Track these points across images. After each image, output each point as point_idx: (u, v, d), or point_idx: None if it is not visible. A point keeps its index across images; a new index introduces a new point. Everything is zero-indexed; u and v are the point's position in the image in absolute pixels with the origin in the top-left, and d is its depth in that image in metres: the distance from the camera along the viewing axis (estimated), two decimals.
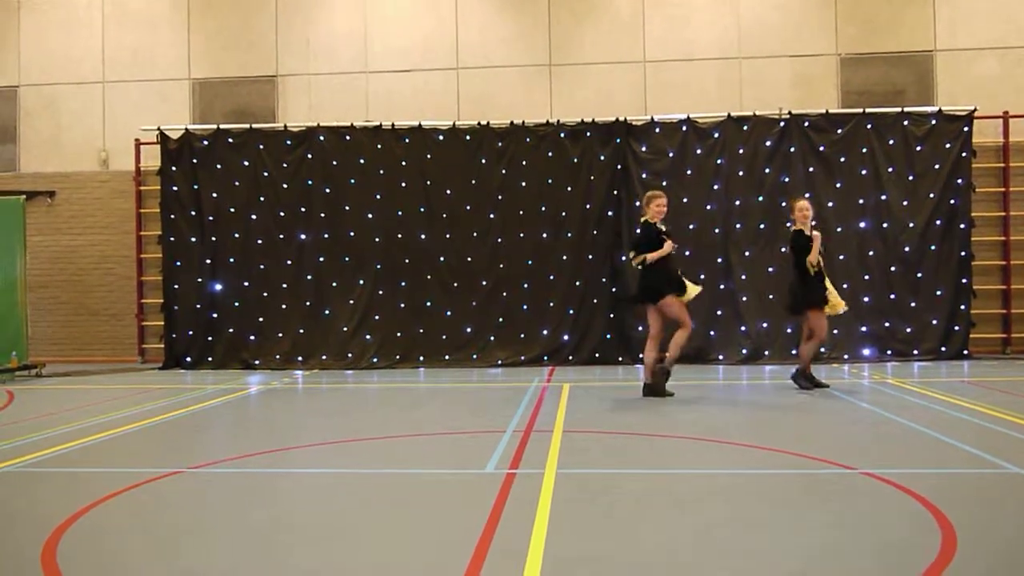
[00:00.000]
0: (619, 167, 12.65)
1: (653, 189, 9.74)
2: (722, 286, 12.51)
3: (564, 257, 12.72)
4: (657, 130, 12.70)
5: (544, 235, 12.76)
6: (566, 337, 12.68)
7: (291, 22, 13.97)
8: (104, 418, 8.14)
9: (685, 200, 12.32)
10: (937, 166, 12.41)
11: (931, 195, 12.36)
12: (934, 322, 12.35)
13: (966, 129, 12.43)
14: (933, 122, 12.48)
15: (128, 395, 9.93)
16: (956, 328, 12.37)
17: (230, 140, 13.12)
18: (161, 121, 13.47)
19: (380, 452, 6.52)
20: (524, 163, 12.82)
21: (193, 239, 13.08)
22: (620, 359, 12.50)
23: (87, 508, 4.83)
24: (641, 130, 12.75)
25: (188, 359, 12.97)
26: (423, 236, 12.86)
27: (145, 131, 13.45)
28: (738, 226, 12.55)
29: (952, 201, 12.40)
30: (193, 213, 13.09)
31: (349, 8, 13.91)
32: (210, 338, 13.00)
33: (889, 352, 12.30)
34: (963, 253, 12.38)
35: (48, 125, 14.29)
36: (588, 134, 12.74)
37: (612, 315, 12.55)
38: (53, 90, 14.28)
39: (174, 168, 13.14)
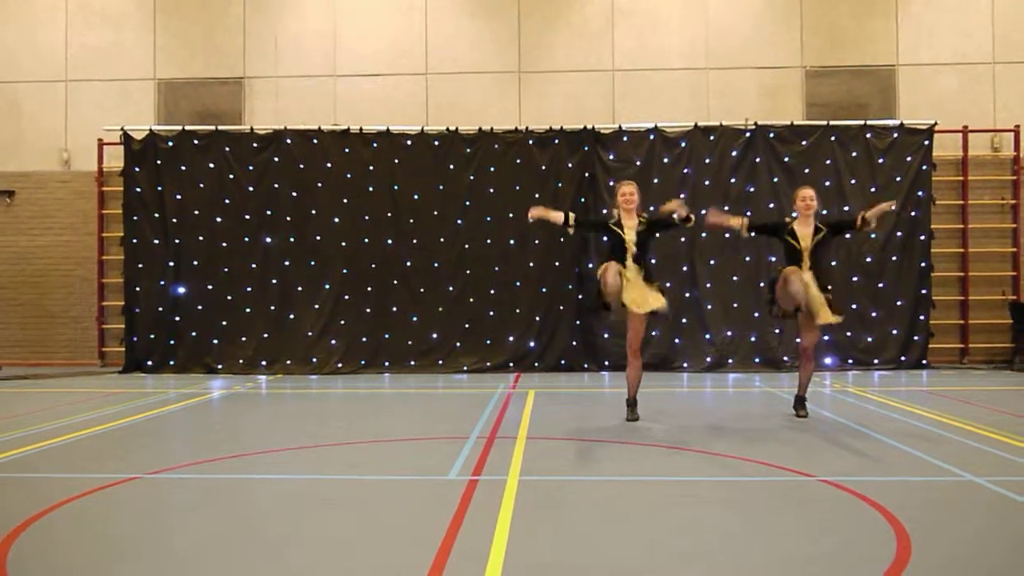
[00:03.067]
0: (587, 175, 12.71)
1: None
2: (687, 294, 12.60)
3: (531, 264, 12.74)
4: (625, 138, 12.79)
5: (511, 242, 12.77)
6: (532, 344, 12.69)
7: (259, 24, 13.86)
8: (61, 422, 8.00)
9: (652, 208, 12.36)
10: (899, 178, 12.62)
11: (892, 207, 12.53)
12: (894, 332, 12.54)
13: (927, 143, 12.65)
14: (895, 135, 12.68)
15: (87, 399, 9.77)
16: (916, 338, 12.57)
17: (195, 142, 12.99)
18: (125, 121, 13.29)
19: (342, 458, 6.47)
20: (492, 169, 12.84)
21: (156, 241, 12.91)
22: (586, 366, 12.53)
23: (40, 514, 4.74)
24: (609, 138, 12.82)
25: (149, 363, 12.79)
26: (390, 241, 12.82)
27: (108, 131, 13.26)
28: (703, 235, 12.63)
29: (913, 213, 12.60)
30: (156, 215, 12.92)
31: (318, 11, 13.84)
32: (172, 342, 12.84)
33: (850, 361, 12.45)
34: (923, 264, 12.59)
35: (9, 124, 14.03)
36: (556, 141, 12.78)
37: (578, 322, 12.59)
38: (14, 88, 14.03)
39: (137, 169, 12.97)
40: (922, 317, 12.57)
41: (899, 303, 12.53)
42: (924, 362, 12.52)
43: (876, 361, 12.47)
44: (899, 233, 12.56)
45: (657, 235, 8.09)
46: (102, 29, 14.01)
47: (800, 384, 8.10)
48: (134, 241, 12.93)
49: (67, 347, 13.86)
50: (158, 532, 4.52)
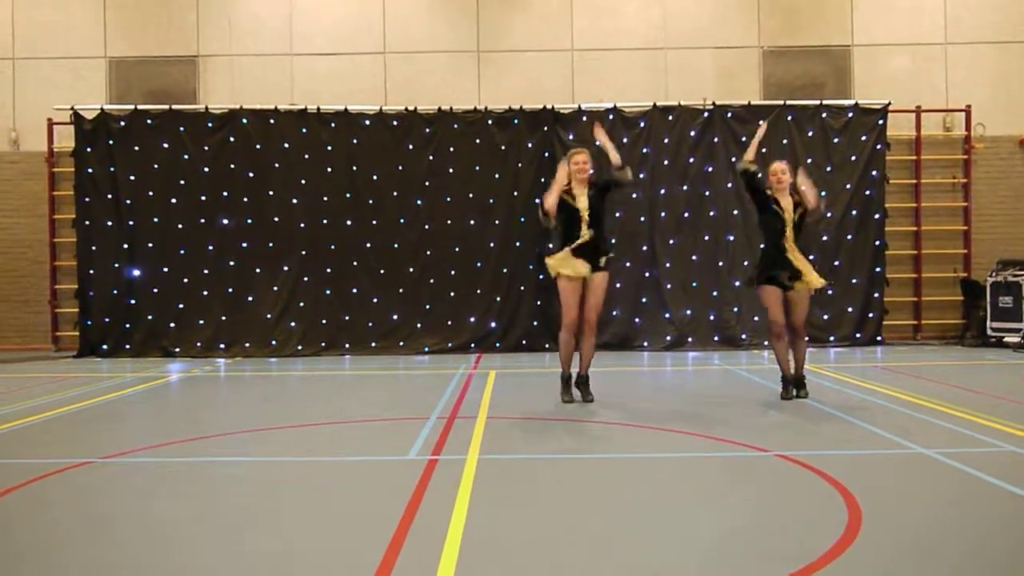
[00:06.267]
0: (546, 155, 12.69)
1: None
2: (647, 274, 12.69)
3: (491, 244, 12.73)
4: (584, 118, 12.75)
5: (471, 222, 12.73)
6: (493, 324, 12.70)
7: (212, 1, 13.58)
8: (12, 407, 7.84)
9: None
10: (853, 158, 12.78)
11: (847, 186, 12.72)
12: (849, 309, 12.74)
13: (881, 122, 12.82)
14: (850, 115, 12.83)
15: (40, 383, 9.58)
16: (870, 315, 12.78)
17: (148, 121, 12.74)
18: (75, 100, 12.98)
19: (301, 440, 6.44)
20: (452, 149, 12.77)
21: (109, 223, 12.66)
22: (547, 346, 12.55)
23: None
24: (568, 118, 12.80)
25: (104, 347, 12.58)
26: (349, 222, 12.71)
27: (58, 110, 12.95)
28: (663, 214, 12.72)
29: (867, 192, 12.78)
30: (109, 196, 12.67)
31: None
32: (128, 325, 12.63)
33: (807, 338, 12.57)
34: (877, 242, 12.79)
35: None
36: (516, 121, 12.74)
37: (539, 302, 12.61)
38: None
39: (89, 149, 12.69)
40: (876, 294, 12.79)
41: (854, 281, 12.73)
42: (878, 339, 12.75)
43: (832, 338, 12.67)
44: (854, 212, 12.74)
45: (607, 196, 7.93)
46: (50, 5, 13.63)
47: (797, 362, 7.87)
48: (86, 223, 12.66)
49: (19, 331, 13.57)
50: (109, 516, 4.46)
